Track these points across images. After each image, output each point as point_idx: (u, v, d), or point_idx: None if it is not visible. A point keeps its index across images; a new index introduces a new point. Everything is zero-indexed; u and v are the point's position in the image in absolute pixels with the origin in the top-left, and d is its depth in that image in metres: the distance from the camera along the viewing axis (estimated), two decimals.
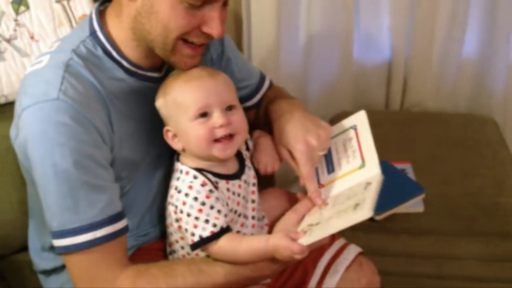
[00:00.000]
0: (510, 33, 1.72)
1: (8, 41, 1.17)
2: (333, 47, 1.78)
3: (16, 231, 1.16)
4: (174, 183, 0.95)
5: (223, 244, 0.90)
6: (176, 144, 0.95)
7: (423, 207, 1.40)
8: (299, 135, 0.98)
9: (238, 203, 0.96)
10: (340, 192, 0.96)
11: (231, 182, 0.95)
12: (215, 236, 0.90)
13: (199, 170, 0.93)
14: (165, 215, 0.99)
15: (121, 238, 0.91)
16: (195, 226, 0.90)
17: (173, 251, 1.00)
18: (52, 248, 0.99)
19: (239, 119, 0.94)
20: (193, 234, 0.90)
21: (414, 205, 1.40)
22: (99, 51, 0.93)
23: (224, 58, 1.13)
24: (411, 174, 1.48)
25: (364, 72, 1.85)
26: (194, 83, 0.92)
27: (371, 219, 1.35)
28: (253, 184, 1.00)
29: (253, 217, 0.99)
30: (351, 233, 1.12)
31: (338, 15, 1.72)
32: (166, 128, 0.96)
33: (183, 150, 0.95)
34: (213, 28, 0.90)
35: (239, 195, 0.96)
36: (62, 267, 1.01)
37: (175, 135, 0.95)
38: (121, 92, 0.94)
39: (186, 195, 0.91)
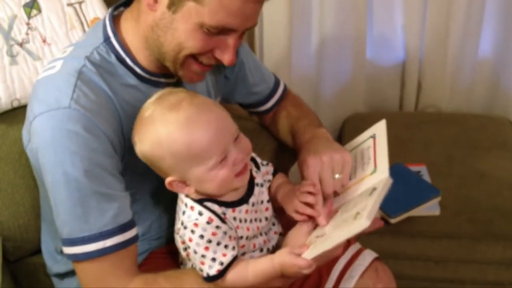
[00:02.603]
0: None
1: (21, 44, 1.17)
2: (346, 49, 1.77)
3: (30, 234, 1.16)
4: (180, 216, 0.91)
5: (230, 278, 0.89)
6: (186, 190, 0.89)
7: (439, 210, 1.38)
8: (311, 153, 0.96)
9: (248, 229, 0.93)
10: (349, 200, 0.95)
11: (237, 209, 0.91)
12: (221, 274, 0.89)
13: (204, 201, 0.89)
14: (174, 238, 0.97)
15: (131, 247, 0.91)
16: (202, 263, 0.89)
17: (182, 263, 0.99)
18: (62, 244, 0.99)
19: (246, 143, 0.89)
20: (201, 270, 0.89)
21: (430, 208, 1.38)
22: (113, 58, 0.93)
23: (238, 62, 1.12)
24: (426, 176, 1.47)
25: (378, 73, 1.84)
26: (203, 128, 0.84)
27: (386, 222, 1.35)
28: (268, 201, 0.98)
29: (261, 234, 0.96)
30: (366, 237, 1.11)
31: (351, 16, 1.71)
32: (169, 180, 0.88)
33: (193, 192, 0.89)
34: (225, 55, 0.90)
35: (246, 220, 0.93)
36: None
37: (182, 182, 0.88)
38: (133, 99, 0.93)
39: (192, 232, 0.88)
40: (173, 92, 0.89)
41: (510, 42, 1.73)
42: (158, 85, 0.96)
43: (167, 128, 0.84)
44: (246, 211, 0.93)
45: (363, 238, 1.11)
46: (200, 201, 0.89)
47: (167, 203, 1.03)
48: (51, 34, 1.19)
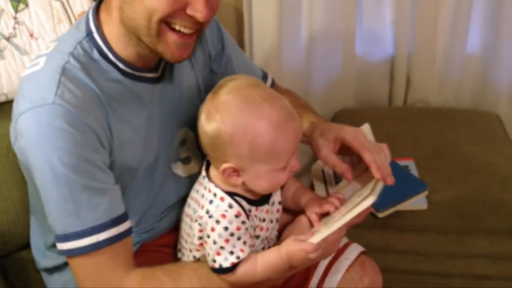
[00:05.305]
0: None
1: (8, 39, 1.16)
2: (336, 44, 1.77)
3: (18, 229, 1.16)
4: (205, 205, 0.91)
5: (240, 272, 0.89)
6: (234, 179, 0.89)
7: (426, 204, 1.39)
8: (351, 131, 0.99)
9: (261, 229, 0.94)
10: (349, 196, 0.97)
11: (260, 208, 0.93)
12: (234, 267, 0.89)
13: (233, 194, 0.90)
14: (182, 222, 0.98)
15: (125, 240, 0.90)
16: (218, 254, 0.89)
17: (183, 254, 0.99)
18: (54, 246, 0.99)
19: (298, 154, 0.92)
20: (214, 260, 0.90)
21: (418, 202, 1.39)
22: (95, 54, 0.92)
23: (224, 56, 1.12)
24: (414, 171, 1.47)
25: (367, 68, 1.84)
26: (289, 133, 0.87)
27: (374, 216, 1.36)
28: (279, 203, 0.98)
29: (267, 238, 0.97)
30: (354, 230, 1.12)
31: (340, 12, 1.71)
32: (226, 166, 0.88)
33: (239, 184, 0.90)
34: (197, 10, 0.86)
35: (264, 220, 0.94)
36: (65, 265, 1.01)
37: (236, 171, 0.89)
38: (118, 94, 0.93)
39: (217, 222, 0.88)
40: (258, 83, 0.91)
41: (498, 38, 1.74)
42: (141, 80, 0.96)
43: (259, 122, 0.85)
44: (267, 211, 0.94)
45: (351, 232, 1.11)
46: (230, 194, 0.90)
47: (155, 196, 1.03)
48: (38, 28, 1.19)
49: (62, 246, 0.89)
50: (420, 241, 1.38)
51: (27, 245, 1.15)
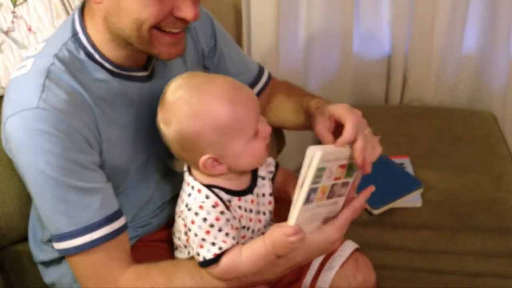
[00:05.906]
0: (510, 28, 1.71)
1: (6, 33, 1.17)
2: (333, 42, 1.77)
3: (14, 223, 1.16)
4: (185, 198, 0.92)
5: (224, 264, 0.89)
6: (218, 169, 0.89)
7: (421, 201, 1.40)
8: (344, 106, 0.97)
9: (250, 220, 0.94)
10: None
11: (243, 198, 0.93)
12: (217, 258, 0.89)
13: (212, 187, 0.90)
14: (174, 222, 0.98)
15: (120, 237, 0.91)
16: (201, 246, 0.89)
17: (180, 251, 0.99)
18: (51, 240, 0.99)
19: (264, 119, 0.93)
20: (198, 254, 0.90)
21: (412, 200, 1.40)
22: (82, 54, 0.91)
23: (217, 53, 1.12)
24: (409, 169, 1.48)
25: (364, 67, 1.85)
26: (243, 101, 0.88)
27: (369, 213, 1.37)
28: (270, 194, 0.98)
29: (259, 229, 0.97)
30: (348, 227, 1.13)
31: (338, 10, 1.72)
32: (205, 158, 0.88)
33: (225, 171, 0.90)
34: (185, 11, 0.87)
35: (251, 211, 0.94)
36: (61, 259, 1.02)
37: (216, 160, 0.89)
38: (105, 94, 0.92)
39: (196, 214, 0.88)
40: (195, 73, 0.92)
41: (494, 39, 1.75)
42: (130, 79, 0.96)
43: (212, 104, 0.86)
44: (252, 201, 0.94)
45: None
46: (208, 186, 0.90)
47: (153, 192, 1.04)
48: (37, 22, 1.19)
49: (58, 245, 0.90)
50: (414, 238, 1.39)
51: (23, 239, 1.16)
